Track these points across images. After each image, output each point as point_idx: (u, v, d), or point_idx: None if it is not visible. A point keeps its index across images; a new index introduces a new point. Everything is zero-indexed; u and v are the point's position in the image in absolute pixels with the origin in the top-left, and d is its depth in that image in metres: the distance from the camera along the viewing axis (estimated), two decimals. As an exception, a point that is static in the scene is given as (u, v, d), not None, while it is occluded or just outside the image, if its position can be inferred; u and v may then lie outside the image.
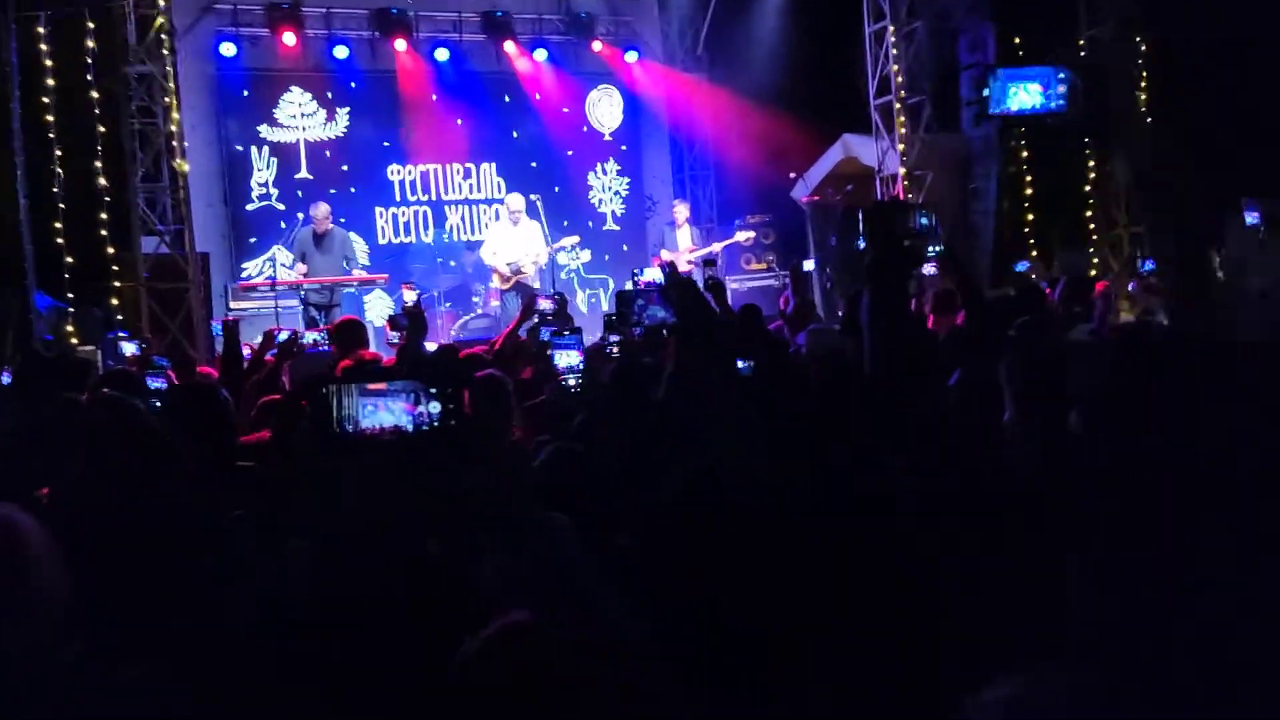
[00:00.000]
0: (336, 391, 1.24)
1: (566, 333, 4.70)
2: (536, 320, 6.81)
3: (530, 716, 1.27)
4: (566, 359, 4.54)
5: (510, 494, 1.24)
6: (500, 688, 1.23)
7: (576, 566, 1.23)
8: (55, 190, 9.32)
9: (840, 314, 6.69)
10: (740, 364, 3.19)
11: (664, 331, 4.63)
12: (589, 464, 2.33)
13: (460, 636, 1.32)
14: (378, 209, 12.92)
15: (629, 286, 10.02)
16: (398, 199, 13.07)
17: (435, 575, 1.78)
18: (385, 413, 1.25)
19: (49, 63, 9.52)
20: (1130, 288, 6.52)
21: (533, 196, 12.00)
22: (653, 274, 9.70)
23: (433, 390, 1.25)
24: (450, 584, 1.77)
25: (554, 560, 1.23)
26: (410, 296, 4.71)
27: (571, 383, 4.38)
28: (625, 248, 14.21)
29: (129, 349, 7.08)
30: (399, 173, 13.07)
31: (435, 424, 1.24)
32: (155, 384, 4.83)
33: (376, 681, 1.23)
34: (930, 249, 3.88)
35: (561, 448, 2.42)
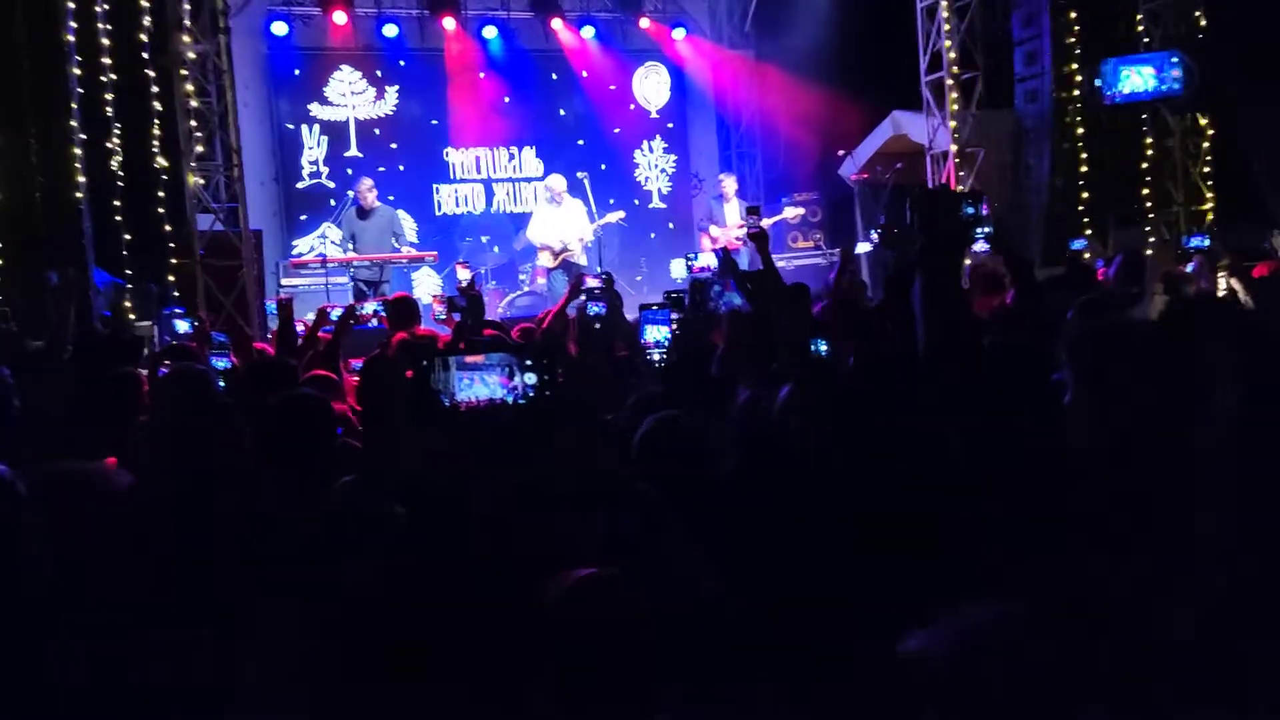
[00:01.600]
0: (436, 364, 1.26)
1: (656, 306, 4.59)
2: (585, 297, 6.84)
3: (606, 662, 1.30)
4: (656, 333, 4.42)
5: (599, 465, 1.26)
6: (579, 633, 1.25)
7: (660, 536, 1.26)
8: (113, 168, 9.46)
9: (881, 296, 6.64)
10: (814, 346, 3.19)
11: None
12: (687, 432, 2.35)
13: (542, 598, 1.36)
14: (435, 185, 13.06)
15: (686, 270, 10.00)
16: (452, 177, 13.20)
17: (522, 542, 1.82)
18: (481, 385, 1.27)
19: (105, 41, 9.65)
20: (1191, 267, 6.37)
21: (579, 174, 12.01)
22: (707, 259, 9.66)
23: (528, 362, 1.27)
24: (537, 551, 1.81)
25: (639, 530, 1.25)
26: (465, 275, 4.74)
27: (656, 357, 4.30)
28: (671, 225, 14.20)
29: (182, 326, 7.21)
30: (452, 155, 13.19)
31: (530, 396, 1.27)
32: (220, 363, 4.89)
33: (466, 642, 1.26)
34: (979, 231, 3.86)
35: (665, 417, 2.43)
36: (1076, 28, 11.12)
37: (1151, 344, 2.05)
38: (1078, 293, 5.40)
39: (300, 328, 6.33)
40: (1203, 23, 10.62)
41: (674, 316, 4.52)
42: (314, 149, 12.53)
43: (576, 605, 1.38)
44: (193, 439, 2.80)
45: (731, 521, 1.97)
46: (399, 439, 1.24)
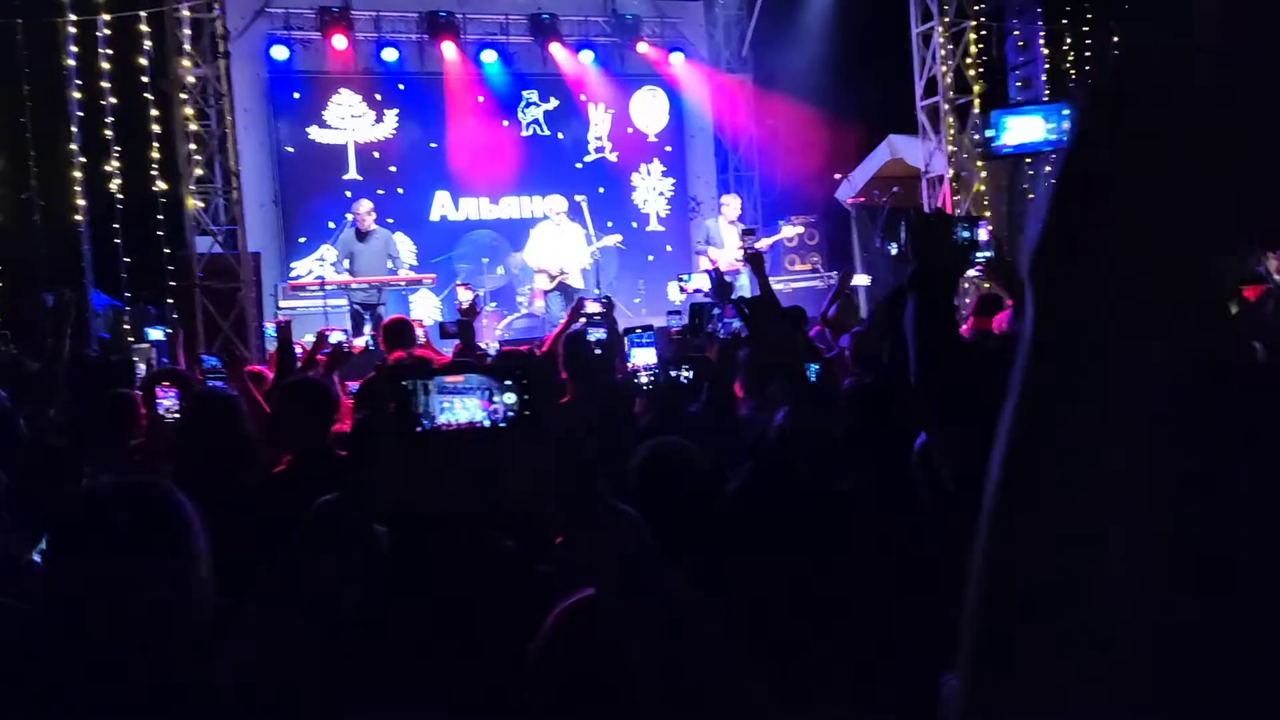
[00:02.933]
0: (418, 387, 1.27)
1: (640, 330, 4.66)
2: (583, 321, 6.86)
3: (597, 690, 1.31)
4: (643, 357, 4.51)
5: (581, 485, 1.26)
6: (572, 661, 1.25)
7: (646, 557, 1.26)
8: (112, 191, 9.51)
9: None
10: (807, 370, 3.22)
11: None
12: (689, 459, 2.39)
13: (530, 622, 1.36)
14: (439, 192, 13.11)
15: (680, 292, 10.02)
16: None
17: (507, 564, 1.83)
18: (461, 410, 1.27)
19: (106, 65, 9.72)
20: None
21: (577, 197, 12.05)
22: (700, 281, 9.68)
23: (507, 381, 1.27)
24: (521, 572, 1.82)
25: (624, 552, 1.25)
26: (465, 296, 4.76)
27: (644, 380, 4.36)
28: (669, 248, 14.24)
29: (155, 334, 7.22)
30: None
31: (511, 417, 1.26)
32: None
33: (452, 666, 1.26)
34: (977, 256, 3.89)
35: (665, 441, 2.46)
36: (1070, 54, 11.24)
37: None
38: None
39: (299, 350, 6.34)
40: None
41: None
42: (311, 171, 12.58)
43: (559, 634, 1.39)
44: (222, 461, 2.83)
45: (733, 545, 1.99)
46: (383, 460, 1.23)
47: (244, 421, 3.37)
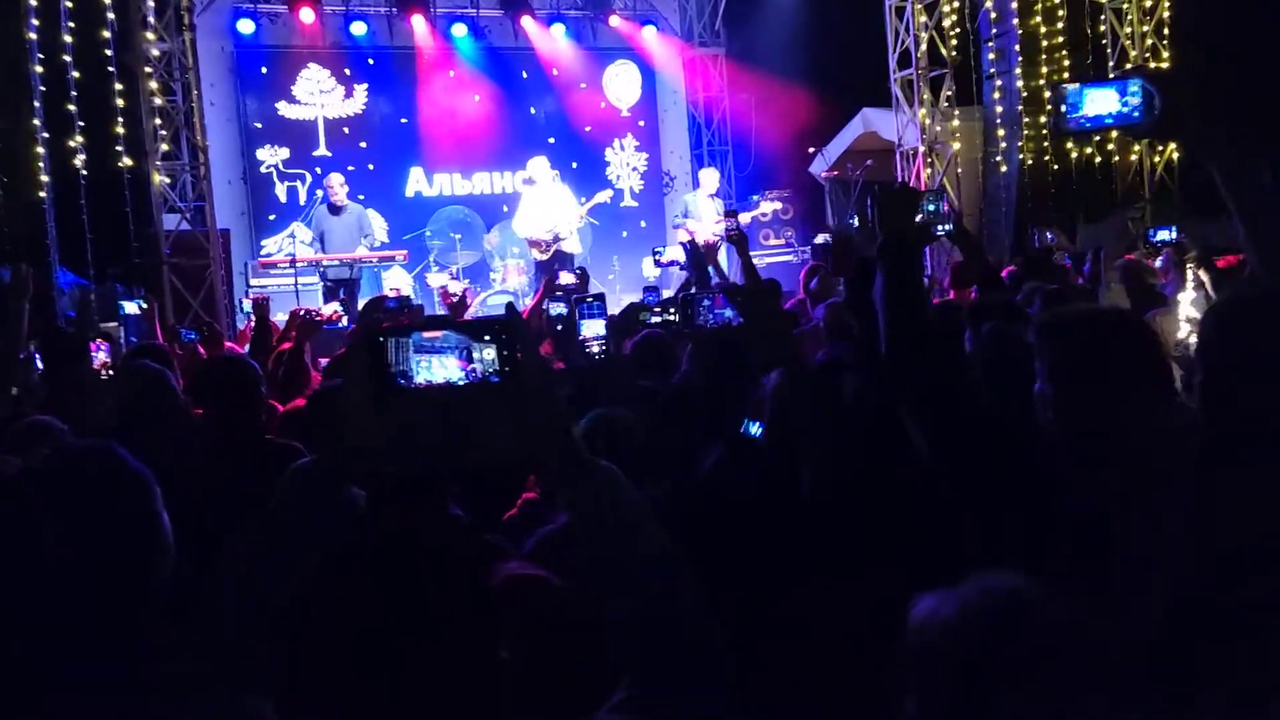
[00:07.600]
0: (392, 343, 1.22)
1: (590, 300, 4.68)
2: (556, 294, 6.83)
3: (535, 662, 1.28)
4: (592, 328, 4.54)
5: (565, 441, 1.23)
6: (502, 635, 1.22)
7: (631, 513, 1.23)
8: (77, 167, 9.34)
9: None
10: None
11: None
12: (626, 430, 2.38)
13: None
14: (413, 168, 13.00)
15: (655, 266, 9.98)
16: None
17: (476, 528, 1.80)
18: (439, 369, 1.23)
19: (68, 39, 9.52)
20: (1161, 261, 6.43)
21: (551, 172, 11.95)
22: (674, 252, 9.66)
23: (486, 336, 1.23)
24: (488, 537, 1.80)
25: (607, 506, 1.22)
26: (456, 288, 4.76)
27: (595, 349, 4.39)
28: (643, 224, 14.18)
29: (130, 307, 7.12)
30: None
31: (489, 375, 1.22)
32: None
33: (420, 642, 1.23)
34: (939, 229, 3.93)
35: (602, 414, 2.45)
36: (1043, 26, 11.23)
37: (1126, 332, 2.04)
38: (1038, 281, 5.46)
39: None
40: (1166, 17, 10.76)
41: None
42: (281, 148, 12.42)
43: (506, 602, 1.37)
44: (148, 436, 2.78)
45: (707, 516, 1.97)
46: (355, 421, 1.19)
47: (175, 394, 3.32)
